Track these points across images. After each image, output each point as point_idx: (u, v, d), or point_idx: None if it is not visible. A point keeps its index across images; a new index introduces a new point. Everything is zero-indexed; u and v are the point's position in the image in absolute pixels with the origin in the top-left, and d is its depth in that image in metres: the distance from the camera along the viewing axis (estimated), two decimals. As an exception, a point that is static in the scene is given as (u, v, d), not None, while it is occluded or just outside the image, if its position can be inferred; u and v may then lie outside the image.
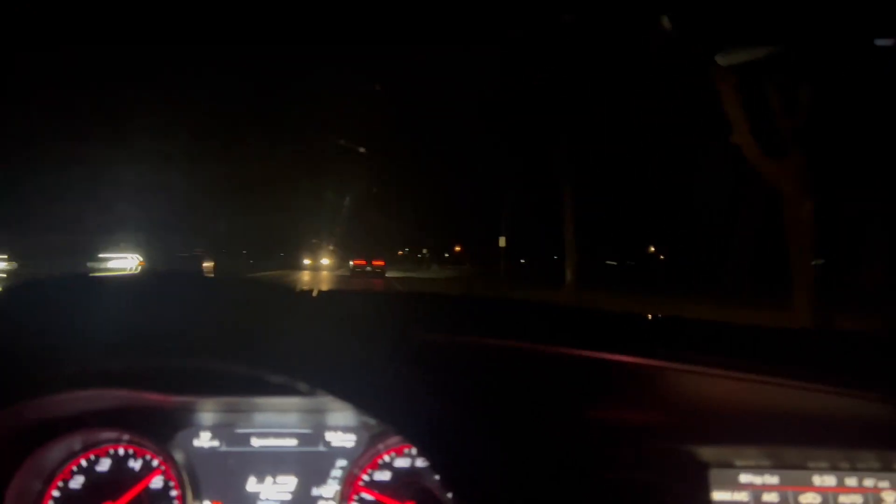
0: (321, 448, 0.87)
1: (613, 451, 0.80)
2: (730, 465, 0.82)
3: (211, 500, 0.85)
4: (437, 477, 0.38)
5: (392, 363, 0.37)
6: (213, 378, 0.81)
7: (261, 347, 0.39)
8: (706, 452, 0.82)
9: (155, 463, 0.85)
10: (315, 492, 0.86)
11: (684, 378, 0.80)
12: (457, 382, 0.39)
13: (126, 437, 0.84)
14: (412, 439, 0.39)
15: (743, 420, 0.80)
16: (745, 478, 0.82)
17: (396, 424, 0.39)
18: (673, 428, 0.80)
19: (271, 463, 0.87)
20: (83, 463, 0.85)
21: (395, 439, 0.87)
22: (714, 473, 0.82)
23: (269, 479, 0.86)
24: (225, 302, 0.39)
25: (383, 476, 0.87)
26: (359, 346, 0.38)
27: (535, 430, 0.38)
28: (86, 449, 0.85)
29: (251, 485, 0.86)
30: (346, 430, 0.88)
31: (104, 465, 0.85)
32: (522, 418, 0.40)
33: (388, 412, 0.39)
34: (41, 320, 0.37)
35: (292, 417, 0.87)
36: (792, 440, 0.80)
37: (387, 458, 0.87)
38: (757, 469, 0.82)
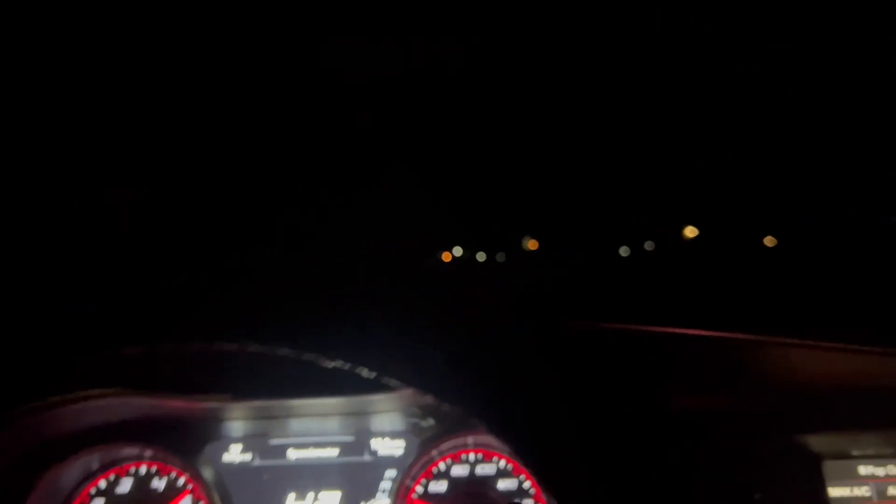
0: (366, 458, 0.77)
1: (712, 445, 0.69)
2: (846, 456, 0.70)
3: (245, 521, 0.75)
4: (526, 466, 0.30)
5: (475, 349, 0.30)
6: (244, 377, 0.72)
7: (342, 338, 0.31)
8: (818, 442, 0.70)
9: (181, 482, 0.75)
10: (362, 508, 0.75)
11: (788, 355, 0.68)
12: (537, 368, 0.30)
13: (148, 452, 0.75)
14: (493, 427, 0.30)
15: (858, 402, 0.69)
16: (864, 469, 0.70)
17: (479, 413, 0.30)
18: (778, 416, 0.69)
19: (312, 477, 0.77)
20: (101, 485, 0.75)
21: (449, 444, 0.76)
22: (828, 466, 0.70)
23: (310, 496, 0.76)
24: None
25: (439, 487, 0.76)
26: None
27: (621, 421, 0.30)
28: (104, 468, 0.75)
29: (290, 503, 0.76)
30: (393, 435, 0.77)
31: (125, 485, 0.75)
32: (610, 408, 0.31)
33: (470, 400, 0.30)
34: None
35: (332, 423, 0.77)
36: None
37: (442, 465, 0.76)
38: (878, 459, 0.70)
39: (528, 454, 0.31)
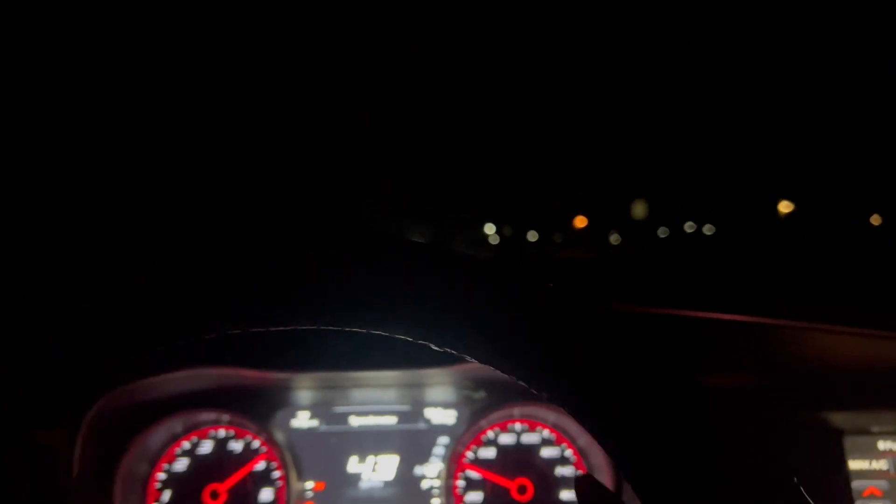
0: (421, 425, 0.85)
1: (742, 421, 0.75)
2: (866, 432, 0.76)
3: (314, 481, 0.83)
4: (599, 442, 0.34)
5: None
6: (312, 352, 0.80)
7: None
8: (839, 419, 0.76)
9: (256, 444, 0.84)
10: (418, 471, 0.83)
11: (810, 337, 0.74)
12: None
13: (226, 417, 0.83)
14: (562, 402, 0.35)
15: (881, 383, 0.74)
16: (883, 444, 0.76)
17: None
18: (805, 393, 0.74)
19: (372, 442, 0.85)
20: (186, 445, 0.84)
21: (497, 415, 0.83)
22: (849, 441, 0.76)
23: (370, 459, 0.84)
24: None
25: (488, 453, 0.83)
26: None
27: (662, 398, 0.34)
28: (187, 431, 0.84)
29: (352, 465, 0.84)
30: (445, 405, 0.85)
31: (206, 447, 0.84)
32: (652, 387, 0.35)
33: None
34: None
35: (391, 394, 0.85)
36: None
37: (490, 434, 0.84)
38: (896, 435, 0.76)
39: (588, 423, 0.35)
